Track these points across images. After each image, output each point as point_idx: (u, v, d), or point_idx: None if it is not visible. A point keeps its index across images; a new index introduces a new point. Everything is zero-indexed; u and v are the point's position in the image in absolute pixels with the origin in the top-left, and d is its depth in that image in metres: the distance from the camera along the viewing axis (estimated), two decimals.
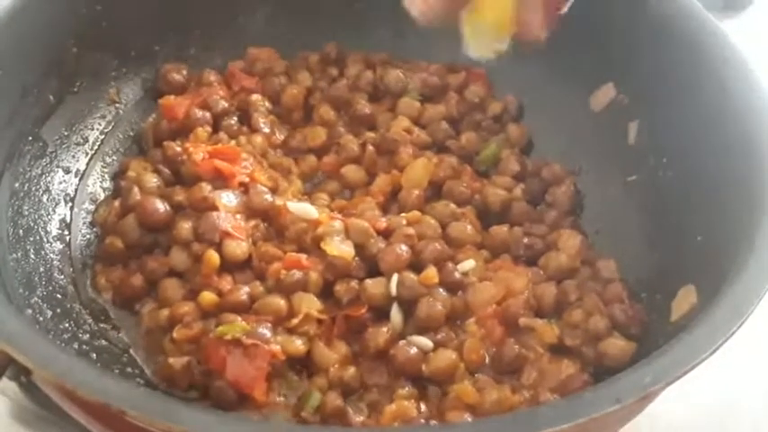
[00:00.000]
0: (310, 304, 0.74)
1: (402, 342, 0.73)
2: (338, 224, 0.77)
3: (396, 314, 0.75)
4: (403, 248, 0.76)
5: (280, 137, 0.92)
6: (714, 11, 0.83)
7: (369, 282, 0.75)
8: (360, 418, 0.70)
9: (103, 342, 0.76)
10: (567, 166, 0.90)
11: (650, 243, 0.80)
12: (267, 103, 0.93)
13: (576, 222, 0.87)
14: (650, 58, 0.83)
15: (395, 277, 0.75)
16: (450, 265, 0.77)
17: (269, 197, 0.80)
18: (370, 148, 0.89)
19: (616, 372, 0.58)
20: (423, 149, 0.90)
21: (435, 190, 0.87)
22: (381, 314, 0.75)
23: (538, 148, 0.94)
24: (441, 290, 0.76)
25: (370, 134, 0.91)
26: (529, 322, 0.75)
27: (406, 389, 0.72)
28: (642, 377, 0.54)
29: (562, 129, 0.93)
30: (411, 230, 0.78)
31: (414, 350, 0.72)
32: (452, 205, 0.84)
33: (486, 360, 0.74)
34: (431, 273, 0.75)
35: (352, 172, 0.88)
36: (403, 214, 0.82)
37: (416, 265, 0.76)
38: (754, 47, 0.83)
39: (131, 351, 0.76)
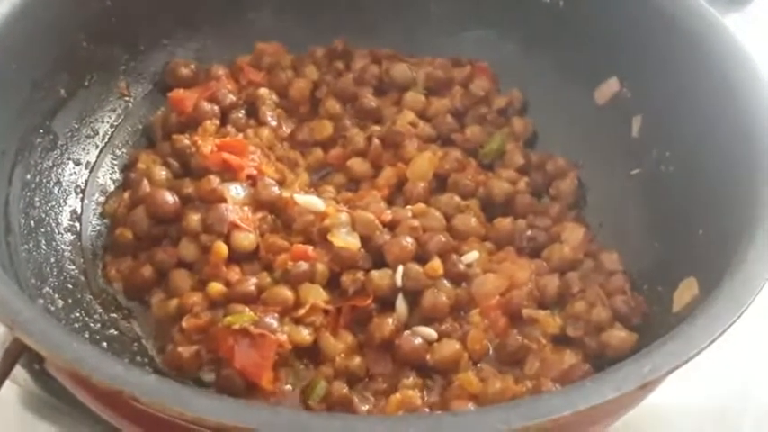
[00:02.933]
0: (317, 295, 0.75)
1: (407, 332, 0.74)
2: (344, 216, 0.78)
3: (401, 305, 0.76)
4: (408, 240, 0.77)
5: (287, 130, 0.93)
6: (718, 5, 0.84)
7: (374, 273, 0.76)
8: (365, 407, 0.71)
9: (114, 331, 0.77)
10: (570, 159, 0.90)
11: (652, 236, 0.81)
12: (274, 97, 0.94)
13: (580, 215, 0.87)
14: (654, 53, 0.84)
15: (400, 268, 0.76)
16: (454, 256, 0.78)
17: (276, 189, 0.81)
18: (376, 141, 0.90)
19: (618, 362, 0.59)
20: (428, 143, 0.91)
21: (440, 183, 0.88)
22: (387, 305, 0.76)
23: (542, 141, 0.95)
24: (445, 281, 0.77)
25: (376, 127, 0.92)
26: (532, 313, 0.76)
27: (411, 378, 0.73)
28: (642, 366, 0.55)
29: (566, 122, 0.93)
30: (416, 222, 0.79)
31: (418, 340, 0.73)
32: (457, 198, 0.85)
33: (490, 350, 0.76)
34: (435, 264, 0.77)
35: (358, 165, 0.89)
36: (408, 207, 0.83)
37: (421, 257, 0.77)
38: (757, 41, 0.83)
39: (142, 340, 0.77)
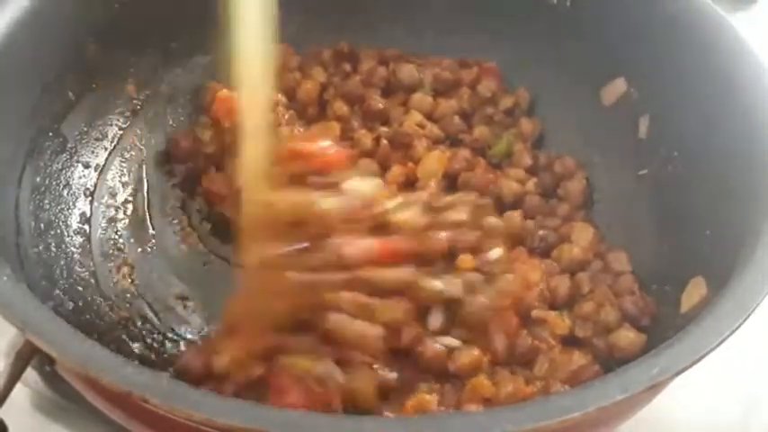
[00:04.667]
0: None
1: (429, 339, 0.72)
2: None
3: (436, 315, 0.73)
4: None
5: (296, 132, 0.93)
6: (724, 4, 0.83)
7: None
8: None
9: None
10: (578, 159, 0.90)
11: (661, 236, 0.81)
12: (283, 99, 0.94)
13: (588, 216, 0.87)
14: (660, 53, 0.84)
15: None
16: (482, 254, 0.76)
17: None
18: (384, 142, 0.90)
19: (627, 363, 0.59)
20: (435, 143, 0.91)
21: (450, 182, 0.88)
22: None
23: (549, 141, 0.95)
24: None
25: (384, 129, 0.92)
26: (541, 314, 0.76)
27: (428, 383, 0.71)
28: (650, 368, 0.54)
29: (573, 122, 0.93)
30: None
31: (440, 347, 0.72)
32: (473, 195, 0.84)
33: None
34: (467, 259, 0.74)
35: (366, 166, 0.89)
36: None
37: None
38: (764, 40, 0.83)
39: None
